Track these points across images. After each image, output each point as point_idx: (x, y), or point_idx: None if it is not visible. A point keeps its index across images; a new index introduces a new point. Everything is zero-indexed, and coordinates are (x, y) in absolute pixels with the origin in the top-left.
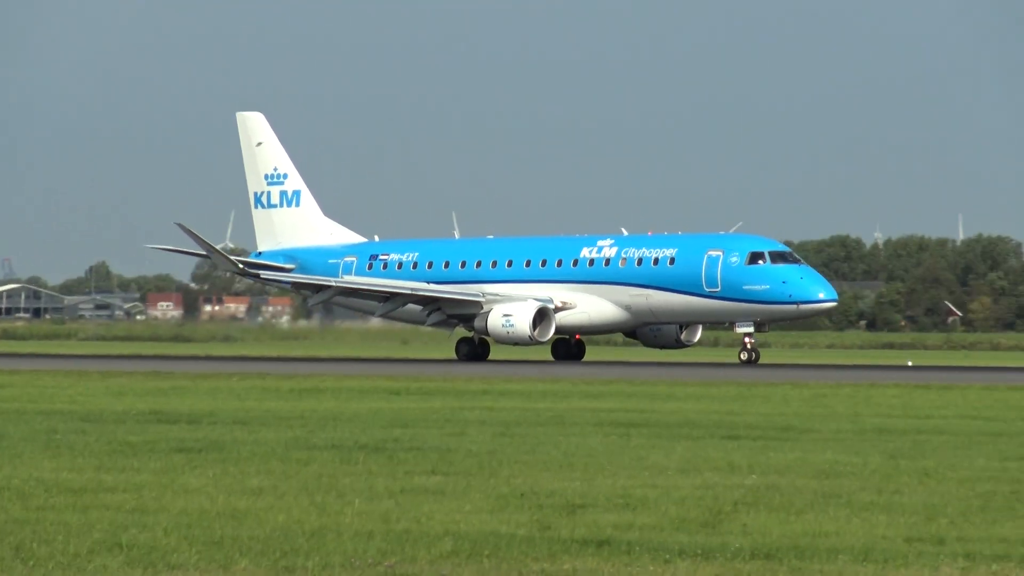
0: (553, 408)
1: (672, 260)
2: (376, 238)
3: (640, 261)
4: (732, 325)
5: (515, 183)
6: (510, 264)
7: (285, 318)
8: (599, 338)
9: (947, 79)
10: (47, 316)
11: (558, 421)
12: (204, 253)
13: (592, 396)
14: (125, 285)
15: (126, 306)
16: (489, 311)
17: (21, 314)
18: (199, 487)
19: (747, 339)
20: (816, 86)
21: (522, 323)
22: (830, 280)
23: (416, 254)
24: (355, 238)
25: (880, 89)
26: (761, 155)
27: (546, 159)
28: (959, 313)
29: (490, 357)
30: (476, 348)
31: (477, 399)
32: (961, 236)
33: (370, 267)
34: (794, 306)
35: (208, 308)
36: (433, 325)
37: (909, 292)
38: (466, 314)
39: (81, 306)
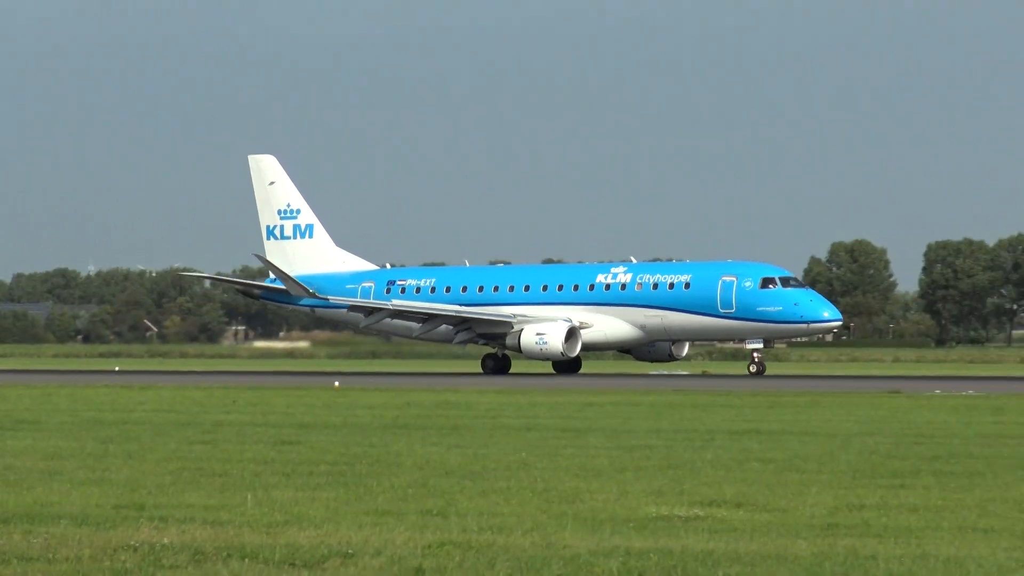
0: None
1: (687, 284)
2: (387, 266)
3: (656, 286)
4: (742, 342)
5: (515, 213)
6: (527, 289)
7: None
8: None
9: None
10: None
11: None
12: (242, 282)
13: None
14: None
15: None
16: (521, 330)
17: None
18: None
19: (756, 354)
20: None
21: (555, 340)
22: None
23: (433, 280)
24: (367, 265)
25: None
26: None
27: (549, 190)
28: (155, 328)
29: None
30: (500, 363)
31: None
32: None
33: (388, 291)
34: (804, 325)
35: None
36: (460, 343)
37: (116, 312)
38: (495, 333)
39: None
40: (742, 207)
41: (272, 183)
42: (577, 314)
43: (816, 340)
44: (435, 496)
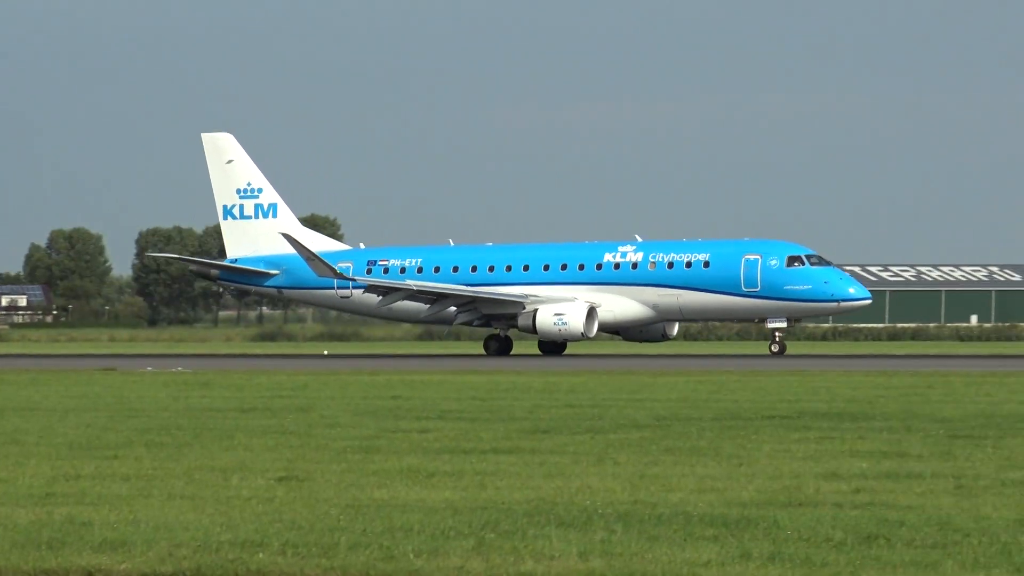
0: None
1: (707, 263)
2: (361, 245)
3: (671, 264)
4: (763, 321)
5: (488, 193)
6: (527, 268)
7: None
8: None
9: None
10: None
11: None
12: (199, 261)
13: None
14: None
15: None
16: (535, 310)
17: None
18: None
19: (777, 333)
20: None
21: (576, 321)
22: None
23: (419, 260)
24: (338, 245)
25: None
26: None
27: (523, 169)
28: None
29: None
30: (504, 344)
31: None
32: None
33: (369, 272)
34: (835, 303)
35: None
36: (461, 324)
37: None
38: (504, 314)
39: None
40: None
41: (230, 161)
42: (584, 294)
43: (36, 323)
44: None
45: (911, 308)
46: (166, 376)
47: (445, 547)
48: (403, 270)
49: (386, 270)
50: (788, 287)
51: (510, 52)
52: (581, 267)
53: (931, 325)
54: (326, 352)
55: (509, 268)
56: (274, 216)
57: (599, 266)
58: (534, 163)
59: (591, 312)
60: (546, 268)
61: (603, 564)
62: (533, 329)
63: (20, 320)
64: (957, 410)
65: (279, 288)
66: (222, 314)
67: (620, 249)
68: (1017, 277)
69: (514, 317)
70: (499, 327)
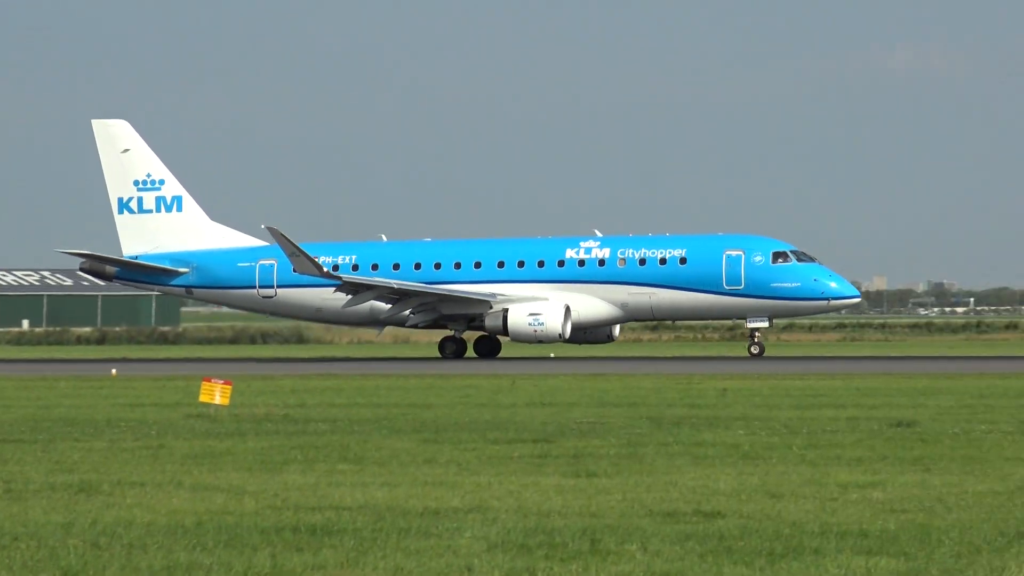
0: None
1: (683, 260)
2: None
3: (643, 261)
4: (742, 320)
5: (405, 184)
6: (478, 266)
7: None
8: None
9: None
10: None
11: None
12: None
13: None
14: None
15: None
16: (504, 310)
17: None
18: None
19: (756, 334)
20: None
21: (554, 321)
22: None
23: (354, 256)
24: (253, 241)
25: None
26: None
27: (457, 155)
28: None
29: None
30: (460, 346)
31: None
32: None
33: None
34: (825, 301)
35: None
36: (413, 326)
37: None
38: (466, 314)
39: None
40: None
41: (126, 150)
42: (545, 292)
43: None
44: None
45: None
46: None
47: None
48: (336, 267)
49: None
50: (775, 284)
51: (450, 28)
52: (541, 264)
53: None
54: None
55: (458, 265)
56: (179, 210)
57: (561, 263)
58: (474, 149)
59: (567, 312)
60: (501, 265)
61: None
62: (503, 330)
63: None
64: (6, 414)
65: (188, 287)
66: None
67: (583, 245)
68: (69, 282)
69: (476, 318)
70: (455, 328)
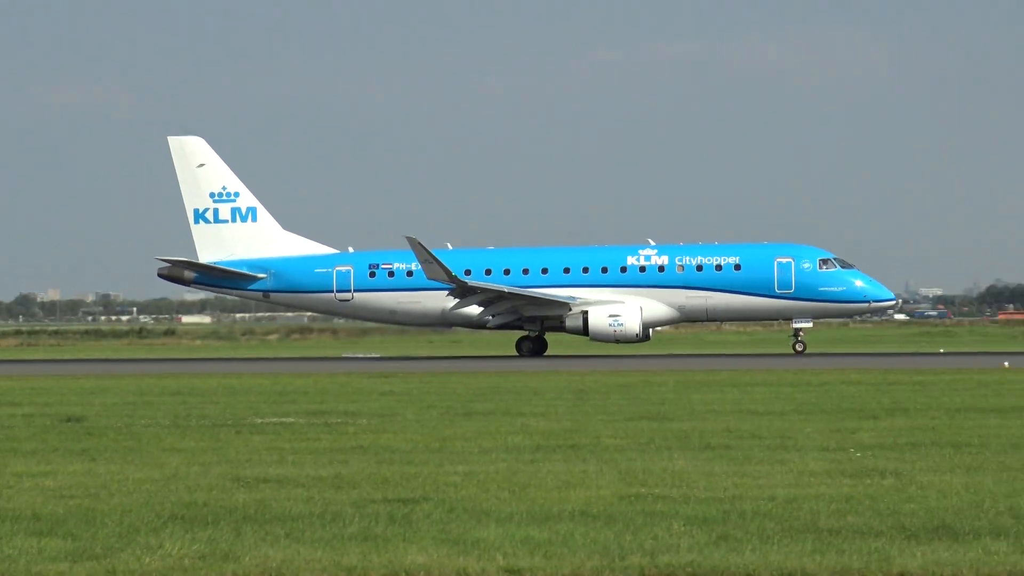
0: None
1: (738, 266)
2: (350, 249)
3: (700, 267)
4: (787, 321)
5: (470, 195)
6: (545, 272)
7: None
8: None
9: None
10: None
11: None
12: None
13: None
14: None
15: None
16: (584, 312)
17: None
18: None
19: (800, 332)
20: None
21: (632, 322)
22: None
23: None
24: (324, 249)
25: None
26: None
27: (508, 170)
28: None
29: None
30: (537, 345)
31: None
32: None
33: (372, 276)
34: (866, 304)
35: None
36: (493, 327)
37: None
38: (544, 315)
39: None
40: None
41: (202, 165)
42: (609, 296)
43: None
44: None
45: None
46: None
47: None
48: (410, 273)
49: (391, 273)
50: (822, 288)
51: (508, 50)
52: (604, 270)
53: None
54: None
55: (526, 271)
56: (253, 220)
57: (623, 269)
58: (531, 166)
59: (642, 313)
60: (567, 271)
61: None
62: (584, 330)
63: None
64: None
65: (265, 292)
66: None
67: (641, 252)
68: None
69: (555, 319)
70: (530, 328)
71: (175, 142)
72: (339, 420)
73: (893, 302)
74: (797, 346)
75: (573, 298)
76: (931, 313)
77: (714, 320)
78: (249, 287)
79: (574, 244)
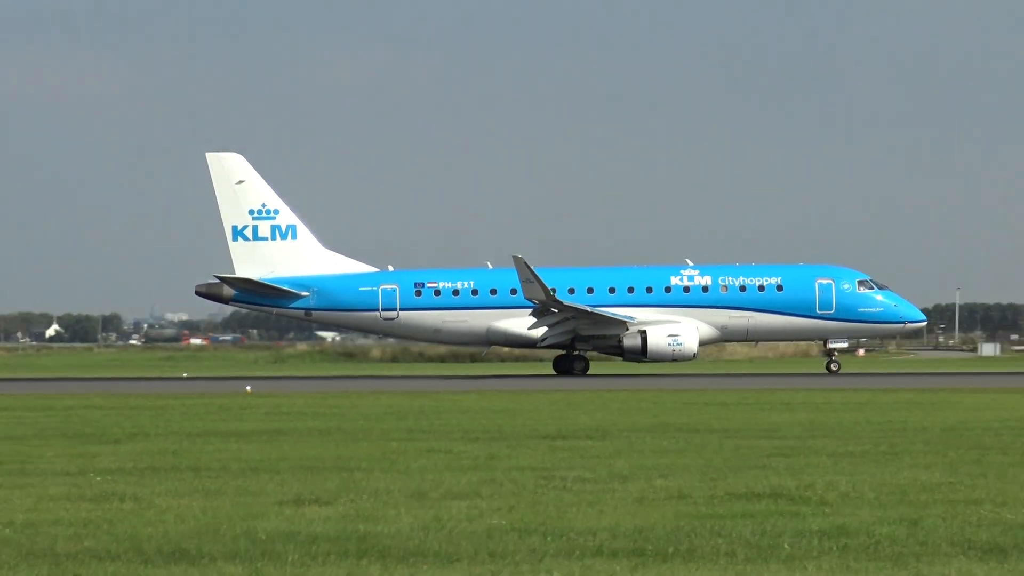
0: None
1: (780, 287)
2: (390, 267)
3: (744, 288)
4: (825, 342)
5: (504, 213)
6: (591, 291)
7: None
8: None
9: None
10: None
11: None
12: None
13: None
14: None
15: None
16: (642, 331)
17: None
18: None
19: (834, 352)
20: None
21: (691, 342)
22: None
23: (472, 282)
24: (364, 267)
25: None
26: None
27: (544, 182)
28: None
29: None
30: (586, 365)
31: None
32: None
33: (419, 294)
34: (901, 325)
35: None
36: (547, 346)
37: None
38: (599, 334)
39: None
40: None
41: (241, 182)
42: (654, 315)
43: None
44: None
45: None
46: None
47: None
48: (456, 292)
49: (437, 292)
50: (862, 309)
51: (538, 67)
52: (649, 290)
53: None
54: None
55: (572, 291)
56: (293, 238)
57: (668, 289)
58: (566, 188)
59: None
60: (612, 291)
61: None
62: (643, 350)
63: None
64: None
65: (307, 310)
66: None
67: (683, 273)
68: None
69: (612, 338)
70: (582, 347)
71: (213, 158)
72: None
73: (923, 323)
74: (832, 365)
75: (630, 318)
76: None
77: (754, 340)
78: (291, 305)
79: (613, 264)
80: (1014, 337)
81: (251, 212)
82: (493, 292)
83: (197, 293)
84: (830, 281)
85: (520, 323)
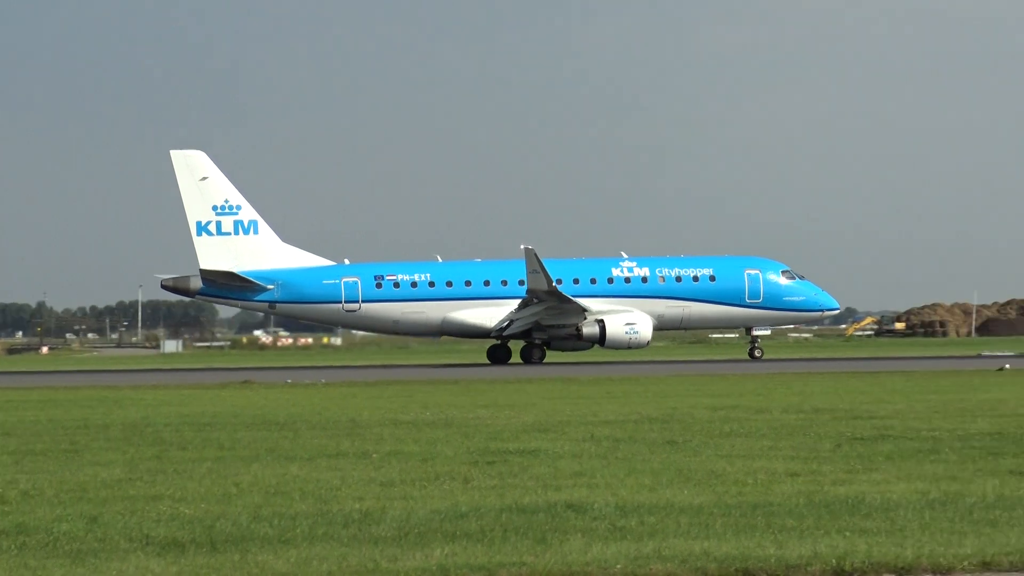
0: None
1: (712, 277)
2: (346, 261)
3: (680, 278)
4: (748, 329)
5: (455, 209)
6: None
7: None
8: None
9: None
10: None
11: None
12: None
13: None
14: None
15: None
16: (599, 320)
17: None
18: None
19: (757, 339)
20: None
21: (646, 331)
22: None
23: (429, 274)
24: (323, 261)
25: None
26: None
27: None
28: None
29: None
30: (543, 353)
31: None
32: None
33: (379, 286)
34: (820, 312)
35: None
36: (509, 336)
37: None
38: (564, 323)
39: None
40: None
41: (204, 178)
42: (597, 305)
43: None
44: None
45: None
46: None
47: None
48: (415, 284)
49: (397, 284)
50: (787, 298)
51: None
52: (593, 281)
53: None
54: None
55: (522, 282)
56: (255, 233)
57: (610, 280)
58: (514, 182)
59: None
60: (559, 282)
61: None
62: (600, 339)
63: None
64: None
65: (272, 303)
66: None
67: (623, 264)
68: None
69: (571, 327)
70: (539, 336)
71: (178, 156)
72: None
73: (837, 311)
74: (755, 352)
75: (587, 308)
76: None
77: (688, 328)
78: (256, 298)
79: (556, 256)
80: (197, 334)
81: (215, 208)
82: (449, 284)
83: (163, 287)
84: (757, 272)
85: (473, 314)
